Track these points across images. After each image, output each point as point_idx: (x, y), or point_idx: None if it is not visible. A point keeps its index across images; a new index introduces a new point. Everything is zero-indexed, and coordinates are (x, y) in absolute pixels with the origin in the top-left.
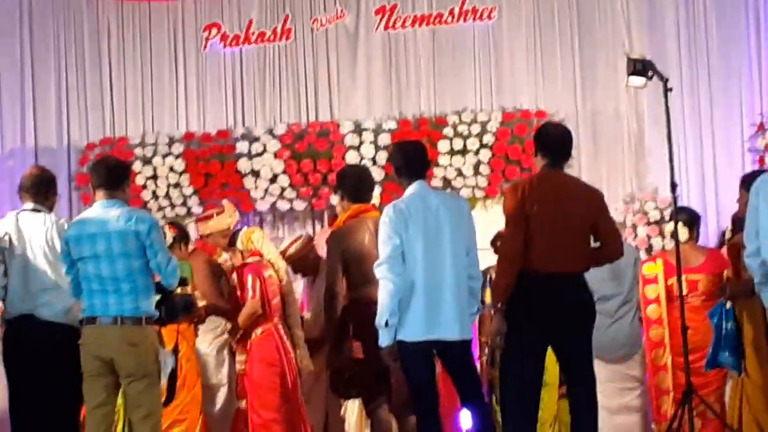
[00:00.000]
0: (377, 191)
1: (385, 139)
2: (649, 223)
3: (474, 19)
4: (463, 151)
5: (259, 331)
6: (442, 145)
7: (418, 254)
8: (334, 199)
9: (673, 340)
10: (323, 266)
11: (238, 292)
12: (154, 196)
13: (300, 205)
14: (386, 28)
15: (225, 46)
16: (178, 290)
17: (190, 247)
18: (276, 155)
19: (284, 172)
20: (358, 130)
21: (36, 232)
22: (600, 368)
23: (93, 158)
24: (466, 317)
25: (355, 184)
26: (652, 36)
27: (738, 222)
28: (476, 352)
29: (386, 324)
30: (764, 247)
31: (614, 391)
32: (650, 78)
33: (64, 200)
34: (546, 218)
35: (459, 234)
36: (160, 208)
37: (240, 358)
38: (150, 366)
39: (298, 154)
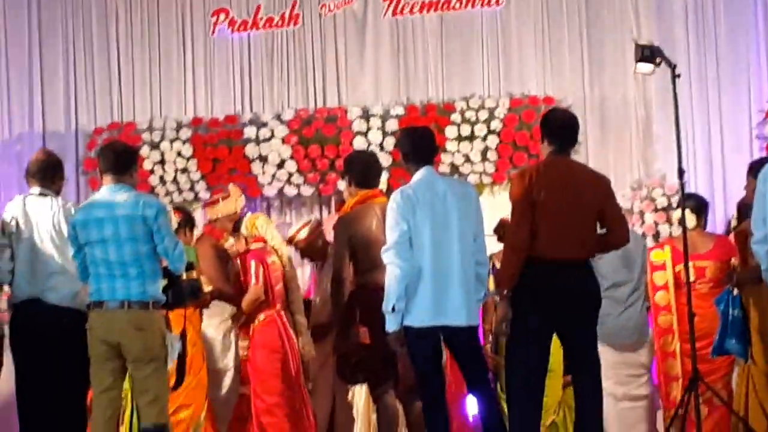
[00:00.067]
0: (384, 177)
1: (392, 125)
2: (656, 210)
3: (482, 5)
4: (471, 137)
5: (261, 317)
6: (450, 131)
7: (426, 240)
8: (342, 185)
9: (682, 326)
10: (331, 252)
11: (242, 278)
12: (162, 181)
13: (307, 191)
14: (394, 13)
15: (233, 31)
16: (185, 275)
17: (198, 232)
18: (284, 141)
19: (292, 157)
20: (366, 115)
21: (43, 217)
22: (609, 355)
23: (101, 143)
24: (473, 303)
25: (362, 169)
26: (659, 22)
27: (744, 209)
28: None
29: (393, 309)
30: None
31: (622, 378)
32: (658, 65)
33: (71, 185)
34: (553, 205)
35: (467, 220)
36: (168, 193)
37: (243, 343)
38: (157, 350)
39: (306, 140)
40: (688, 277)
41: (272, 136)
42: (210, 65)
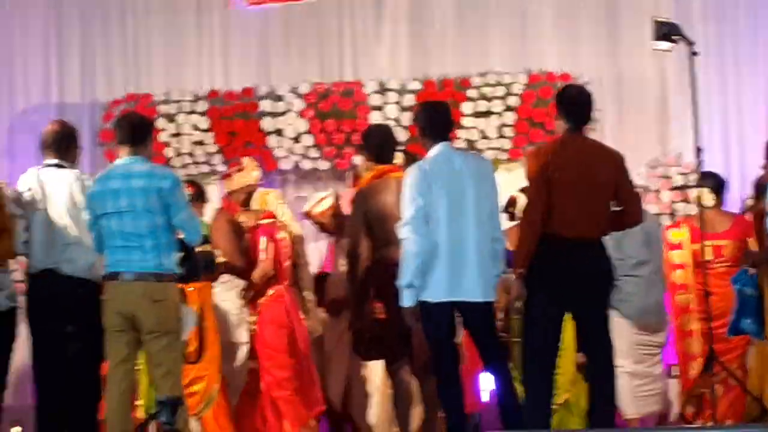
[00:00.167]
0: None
1: (409, 100)
2: (673, 189)
3: None
4: (487, 113)
5: (269, 293)
6: (466, 107)
7: (442, 215)
8: (358, 159)
9: (700, 305)
10: (348, 226)
11: (251, 253)
12: (178, 153)
13: (323, 165)
14: None
15: (250, 3)
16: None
17: (217, 205)
18: (300, 114)
19: (308, 131)
20: (383, 90)
21: (58, 188)
22: (630, 334)
23: (117, 114)
24: (489, 279)
25: (379, 143)
26: None
27: (760, 188)
28: None
29: (409, 285)
30: None
31: (639, 356)
32: (676, 42)
33: (87, 156)
34: (568, 183)
35: (483, 195)
36: (183, 166)
37: (251, 318)
38: (172, 323)
39: (322, 114)
40: (703, 256)
41: (288, 109)
42: (227, 37)
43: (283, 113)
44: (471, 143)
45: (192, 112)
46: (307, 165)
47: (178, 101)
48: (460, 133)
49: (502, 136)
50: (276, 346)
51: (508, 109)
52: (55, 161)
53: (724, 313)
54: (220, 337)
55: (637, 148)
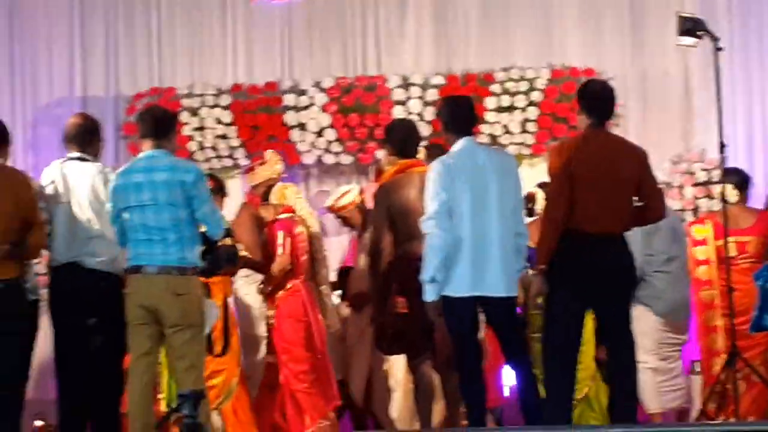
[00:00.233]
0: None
1: (432, 95)
2: (696, 185)
3: None
4: (511, 108)
5: (287, 287)
6: (490, 102)
7: (465, 210)
8: (381, 154)
9: (724, 301)
10: (370, 220)
11: (269, 247)
12: (201, 147)
13: (346, 159)
14: None
15: None
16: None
17: (236, 199)
18: (323, 108)
19: (331, 125)
20: (406, 84)
21: (81, 181)
22: (655, 330)
23: (140, 108)
24: (512, 274)
25: (402, 138)
26: None
27: None
28: None
29: (432, 279)
30: None
31: (663, 353)
32: (701, 38)
33: (110, 149)
34: (590, 179)
35: (506, 190)
36: (207, 159)
37: (269, 313)
38: (194, 316)
39: (345, 108)
40: (727, 252)
41: (312, 103)
42: (250, 31)
43: (306, 107)
44: (494, 138)
45: (215, 106)
46: (329, 159)
47: (201, 95)
48: (483, 128)
49: (525, 131)
50: (293, 340)
51: (531, 104)
52: (78, 154)
53: (748, 310)
54: (243, 330)
55: (660, 144)
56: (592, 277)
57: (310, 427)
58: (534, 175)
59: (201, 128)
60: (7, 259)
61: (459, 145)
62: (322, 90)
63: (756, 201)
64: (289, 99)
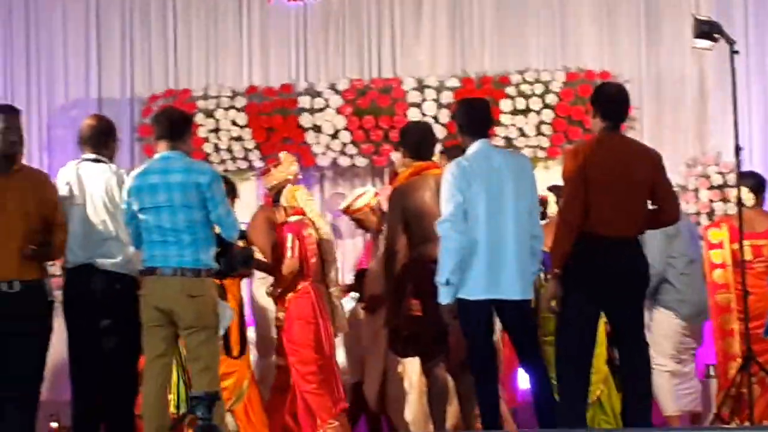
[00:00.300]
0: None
1: (447, 97)
2: (711, 188)
3: None
4: (526, 111)
5: (297, 288)
6: (505, 105)
7: (481, 212)
8: (395, 156)
9: (740, 305)
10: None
11: (279, 249)
12: (216, 149)
13: (361, 162)
14: None
15: (290, 0)
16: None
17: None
18: (338, 111)
19: (346, 128)
20: (421, 87)
21: (96, 182)
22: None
23: (156, 110)
24: (528, 277)
25: (417, 140)
26: None
27: None
28: None
29: (447, 282)
30: None
31: (680, 357)
32: (717, 40)
33: (126, 151)
34: (605, 182)
35: (522, 193)
36: (222, 161)
37: (279, 315)
38: (209, 318)
39: (360, 110)
40: (742, 256)
41: (327, 106)
42: (266, 33)
43: (321, 109)
44: (509, 141)
45: (230, 108)
46: (344, 161)
47: (216, 97)
48: (497, 130)
49: (540, 134)
50: (301, 342)
51: (547, 106)
52: (93, 156)
53: (763, 314)
54: (260, 332)
55: (675, 147)
56: (606, 281)
57: (320, 428)
58: (549, 177)
59: (216, 130)
60: (32, 260)
61: (474, 147)
62: (338, 92)
63: None
64: (304, 101)
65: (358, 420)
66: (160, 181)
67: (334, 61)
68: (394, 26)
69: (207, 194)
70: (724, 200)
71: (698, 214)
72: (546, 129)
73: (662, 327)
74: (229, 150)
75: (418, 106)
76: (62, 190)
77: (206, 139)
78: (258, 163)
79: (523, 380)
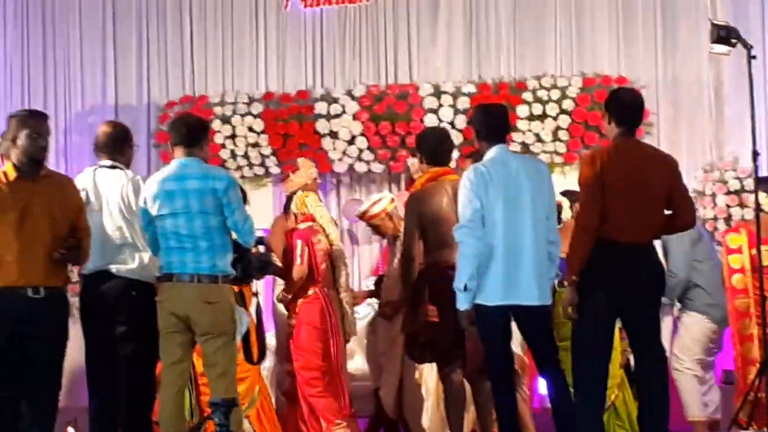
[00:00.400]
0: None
1: (464, 103)
2: (728, 193)
3: None
4: (542, 117)
5: (307, 294)
6: (521, 110)
7: (498, 218)
8: (412, 162)
9: (759, 310)
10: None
11: (289, 256)
12: (233, 155)
13: (378, 168)
14: None
15: (306, 6)
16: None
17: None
18: (354, 117)
19: (362, 134)
20: (437, 93)
21: (112, 189)
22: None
23: (173, 116)
24: (545, 282)
25: (434, 146)
26: (735, 1)
27: None
28: None
29: (465, 288)
30: None
31: (705, 362)
32: (734, 45)
33: (143, 158)
34: (622, 188)
35: (539, 198)
36: (238, 168)
37: (291, 321)
38: (226, 324)
39: (377, 116)
40: (760, 261)
41: (343, 112)
42: (282, 40)
43: (337, 115)
44: (526, 146)
45: (247, 114)
46: (361, 167)
47: (233, 103)
48: (514, 136)
49: (556, 140)
50: (307, 347)
51: (563, 112)
52: (109, 162)
53: None
54: (278, 338)
55: (692, 152)
56: (621, 287)
57: (327, 430)
58: (565, 183)
59: (233, 136)
60: (63, 264)
61: (492, 153)
62: (354, 98)
63: None
64: (320, 107)
65: (379, 428)
66: (177, 188)
67: (351, 67)
68: (411, 32)
69: (223, 200)
70: (742, 205)
71: (715, 219)
72: (563, 134)
73: (692, 331)
74: (246, 156)
75: (434, 111)
76: None
77: (223, 146)
78: (274, 170)
79: (542, 386)
